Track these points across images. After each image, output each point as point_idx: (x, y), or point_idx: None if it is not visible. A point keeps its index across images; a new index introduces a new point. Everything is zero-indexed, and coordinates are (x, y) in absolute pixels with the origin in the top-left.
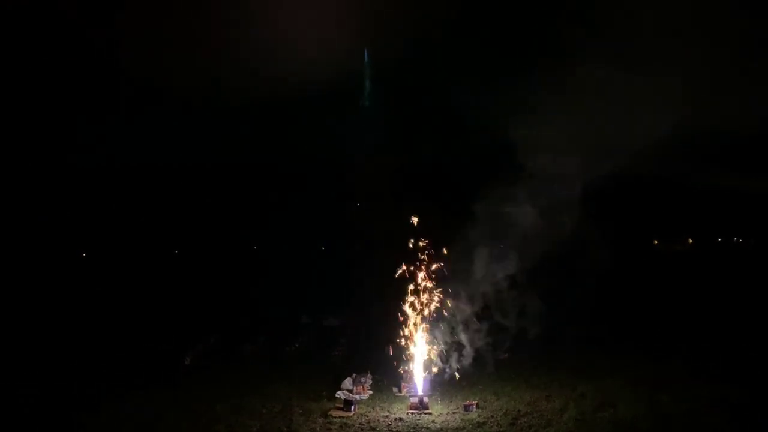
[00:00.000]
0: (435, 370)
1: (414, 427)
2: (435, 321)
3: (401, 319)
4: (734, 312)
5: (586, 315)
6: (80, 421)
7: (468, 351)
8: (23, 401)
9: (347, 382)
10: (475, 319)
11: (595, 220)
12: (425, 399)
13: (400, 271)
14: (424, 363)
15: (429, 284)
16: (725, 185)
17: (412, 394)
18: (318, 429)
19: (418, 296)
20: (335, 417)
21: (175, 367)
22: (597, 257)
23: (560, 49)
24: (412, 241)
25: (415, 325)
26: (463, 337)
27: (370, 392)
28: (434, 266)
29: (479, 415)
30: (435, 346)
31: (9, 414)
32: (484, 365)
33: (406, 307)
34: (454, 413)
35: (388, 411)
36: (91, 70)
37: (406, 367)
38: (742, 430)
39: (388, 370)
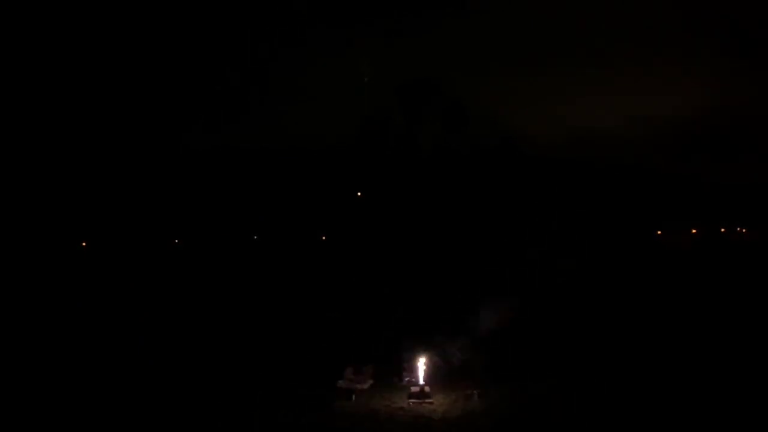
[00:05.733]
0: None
1: (415, 416)
2: None
3: None
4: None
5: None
6: None
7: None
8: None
9: (348, 372)
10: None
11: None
12: (426, 388)
13: None
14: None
15: None
16: (729, 175)
17: (413, 383)
18: (319, 418)
19: None
20: (336, 406)
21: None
22: None
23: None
24: None
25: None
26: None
27: (371, 382)
28: None
29: (480, 404)
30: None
31: None
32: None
33: None
34: (455, 402)
35: (389, 400)
36: None
37: (408, 357)
38: None
39: (389, 360)
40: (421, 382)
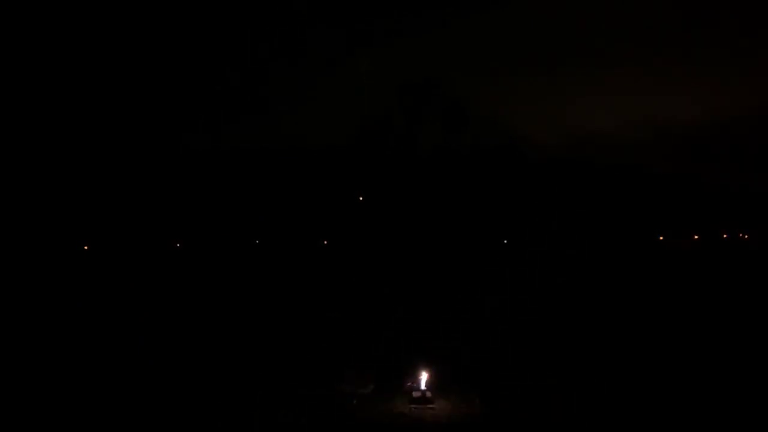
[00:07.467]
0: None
1: (417, 421)
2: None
3: None
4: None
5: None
6: None
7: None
8: None
9: (350, 376)
10: None
11: None
12: (428, 393)
13: None
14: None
15: None
16: (729, 177)
17: (414, 388)
18: (320, 421)
19: None
20: (338, 410)
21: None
22: None
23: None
24: None
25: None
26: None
27: (372, 386)
28: None
29: (481, 408)
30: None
31: None
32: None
33: None
34: (457, 406)
35: (391, 405)
36: None
37: (409, 361)
38: None
39: (390, 362)
40: (423, 387)
